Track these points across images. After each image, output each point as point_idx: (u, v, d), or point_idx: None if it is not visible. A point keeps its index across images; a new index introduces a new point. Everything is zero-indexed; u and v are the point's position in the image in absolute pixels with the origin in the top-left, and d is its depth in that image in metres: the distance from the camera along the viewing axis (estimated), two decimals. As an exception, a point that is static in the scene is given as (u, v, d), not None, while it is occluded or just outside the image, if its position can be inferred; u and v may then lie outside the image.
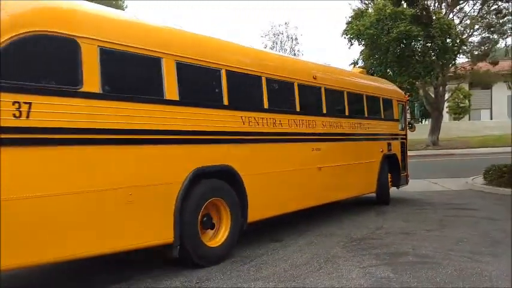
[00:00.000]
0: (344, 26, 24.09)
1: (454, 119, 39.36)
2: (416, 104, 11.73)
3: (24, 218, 3.55)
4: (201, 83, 5.24)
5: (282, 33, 45.28)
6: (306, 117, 6.71)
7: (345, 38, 23.62)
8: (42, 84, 3.68)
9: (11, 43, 3.51)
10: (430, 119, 30.29)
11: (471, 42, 26.44)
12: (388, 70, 23.01)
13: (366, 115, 8.47)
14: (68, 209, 3.80)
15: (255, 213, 5.63)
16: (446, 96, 29.88)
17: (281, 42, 44.66)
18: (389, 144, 9.23)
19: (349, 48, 24.74)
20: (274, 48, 43.58)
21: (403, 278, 4.39)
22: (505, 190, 10.09)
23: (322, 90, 7.17)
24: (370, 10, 24.73)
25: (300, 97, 6.58)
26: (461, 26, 26.05)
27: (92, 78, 3.97)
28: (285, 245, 5.92)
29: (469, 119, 40.32)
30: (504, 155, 15.23)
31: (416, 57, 22.47)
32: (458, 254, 5.21)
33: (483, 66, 28.33)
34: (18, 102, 3.48)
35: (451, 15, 25.94)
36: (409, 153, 10.73)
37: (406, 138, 10.15)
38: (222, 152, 5.26)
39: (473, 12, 26.10)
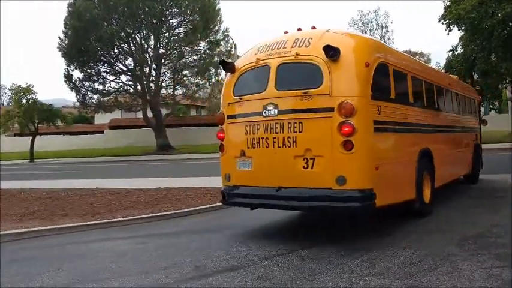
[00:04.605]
0: (442, 11, 22.70)
1: None
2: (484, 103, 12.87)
3: (383, 176, 5.70)
4: (417, 90, 7.34)
5: (372, 22, 44.04)
6: (449, 114, 9.19)
7: (443, 23, 22.26)
8: (383, 95, 5.98)
9: (377, 68, 5.77)
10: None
11: None
12: (491, 56, 21.31)
13: (467, 112, 11.03)
14: (394, 171, 6.18)
15: (437, 182, 7.73)
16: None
17: (370, 31, 43.41)
18: (476, 135, 11.66)
19: (448, 34, 23.12)
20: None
21: (535, 282, 4.04)
22: None
23: (453, 93, 9.71)
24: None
25: (446, 99, 9.14)
26: None
27: (391, 89, 6.22)
28: (394, 240, 5.76)
29: None
30: None
31: (526, 41, 20.55)
32: None
33: None
34: (378, 106, 5.75)
35: None
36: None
37: (481, 131, 12.49)
38: (425, 139, 7.45)
39: None
